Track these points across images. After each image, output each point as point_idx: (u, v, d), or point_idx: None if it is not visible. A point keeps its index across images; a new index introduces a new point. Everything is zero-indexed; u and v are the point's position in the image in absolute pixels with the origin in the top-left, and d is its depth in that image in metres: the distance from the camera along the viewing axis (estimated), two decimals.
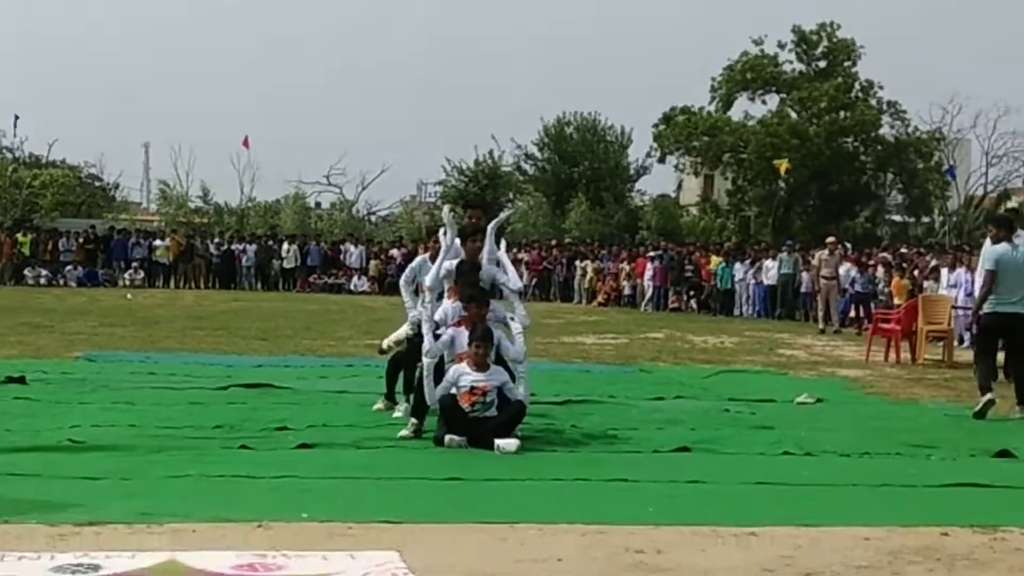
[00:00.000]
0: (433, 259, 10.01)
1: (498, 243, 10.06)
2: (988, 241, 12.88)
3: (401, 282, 10.66)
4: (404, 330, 10.39)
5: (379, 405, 10.64)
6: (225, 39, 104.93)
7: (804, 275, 28.76)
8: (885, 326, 18.45)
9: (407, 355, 10.29)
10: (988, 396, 11.46)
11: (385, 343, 10.86)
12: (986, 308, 12.00)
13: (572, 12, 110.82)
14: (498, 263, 9.90)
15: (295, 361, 15.22)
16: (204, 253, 40.19)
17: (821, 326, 24.51)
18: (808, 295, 28.36)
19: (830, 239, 26.59)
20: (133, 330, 19.58)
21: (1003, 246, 12.04)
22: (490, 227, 10.10)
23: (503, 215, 10.90)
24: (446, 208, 9.93)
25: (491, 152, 52.60)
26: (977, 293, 12.82)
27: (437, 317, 9.43)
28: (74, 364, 13.98)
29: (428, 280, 9.72)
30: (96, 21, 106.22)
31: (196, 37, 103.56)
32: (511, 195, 51.33)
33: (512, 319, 9.57)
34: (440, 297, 9.73)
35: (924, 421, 11.12)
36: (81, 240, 39.91)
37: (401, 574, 5.27)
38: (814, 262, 26.62)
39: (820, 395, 12.52)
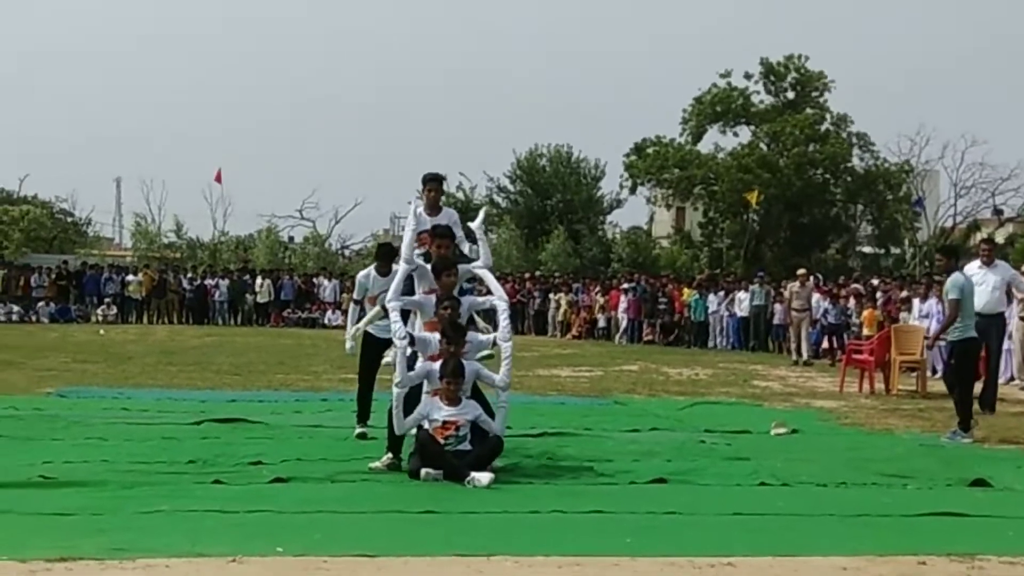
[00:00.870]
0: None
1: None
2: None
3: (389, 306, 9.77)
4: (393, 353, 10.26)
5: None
6: (197, 72, 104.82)
7: (776, 306, 28.85)
8: (858, 357, 18.49)
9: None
10: (973, 438, 11.78)
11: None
12: (956, 336, 12.17)
13: (545, 44, 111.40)
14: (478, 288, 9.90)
15: (269, 396, 15.14)
16: (177, 288, 39.95)
17: (794, 357, 24.54)
18: (781, 327, 28.43)
19: (801, 271, 26.68)
20: (105, 366, 19.44)
21: (958, 275, 12.31)
22: (476, 226, 10.13)
23: (481, 214, 10.84)
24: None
25: (460, 185, 52.74)
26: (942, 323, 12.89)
27: (425, 340, 9.29)
28: (46, 400, 13.88)
29: (390, 294, 9.56)
30: (68, 55, 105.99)
31: (167, 70, 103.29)
32: (484, 228, 51.30)
33: (499, 342, 9.46)
34: (406, 314, 9.58)
35: (899, 451, 11.11)
36: (53, 276, 39.56)
37: None
38: (786, 294, 26.70)
39: (795, 426, 12.51)
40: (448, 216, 10.31)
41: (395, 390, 9.08)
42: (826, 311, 25.60)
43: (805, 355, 24.42)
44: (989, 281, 13.88)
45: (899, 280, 28.14)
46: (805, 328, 24.93)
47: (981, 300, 13.40)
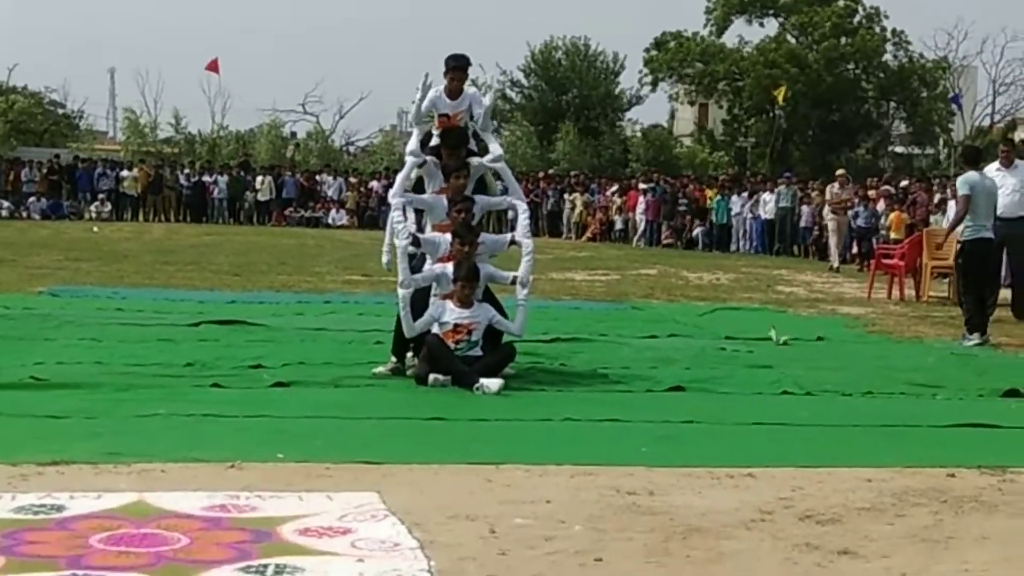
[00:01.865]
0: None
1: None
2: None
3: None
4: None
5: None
6: None
7: (804, 209, 28.31)
8: (888, 262, 18.10)
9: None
10: (984, 337, 11.58)
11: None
12: (967, 235, 12.04)
13: None
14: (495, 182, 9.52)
15: (270, 297, 14.85)
16: (173, 184, 39.10)
17: (834, 263, 23.78)
18: (807, 230, 27.94)
19: (840, 171, 25.95)
20: (99, 264, 19.15)
21: (973, 174, 12.15)
22: (485, 112, 9.51)
23: (487, 101, 10.10)
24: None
25: (474, 81, 51.71)
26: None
27: (434, 242, 8.92)
28: (37, 299, 13.58)
29: (394, 188, 9.21)
30: None
31: None
32: (496, 124, 50.64)
33: (519, 239, 9.13)
34: (419, 214, 9.23)
35: (929, 360, 10.79)
36: (44, 171, 38.73)
37: (381, 516, 5.07)
38: (825, 196, 25.96)
39: (797, 336, 11.97)
40: (471, 98, 9.64)
41: (400, 292, 8.75)
42: (856, 214, 25.04)
43: (835, 262, 23.82)
44: (1008, 184, 13.47)
45: (926, 182, 27.40)
46: (842, 232, 24.34)
47: (1001, 203, 13.00)
